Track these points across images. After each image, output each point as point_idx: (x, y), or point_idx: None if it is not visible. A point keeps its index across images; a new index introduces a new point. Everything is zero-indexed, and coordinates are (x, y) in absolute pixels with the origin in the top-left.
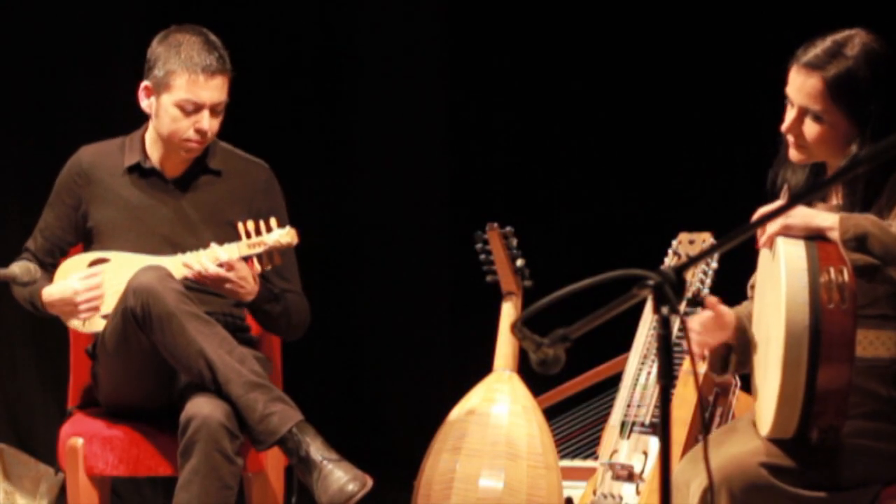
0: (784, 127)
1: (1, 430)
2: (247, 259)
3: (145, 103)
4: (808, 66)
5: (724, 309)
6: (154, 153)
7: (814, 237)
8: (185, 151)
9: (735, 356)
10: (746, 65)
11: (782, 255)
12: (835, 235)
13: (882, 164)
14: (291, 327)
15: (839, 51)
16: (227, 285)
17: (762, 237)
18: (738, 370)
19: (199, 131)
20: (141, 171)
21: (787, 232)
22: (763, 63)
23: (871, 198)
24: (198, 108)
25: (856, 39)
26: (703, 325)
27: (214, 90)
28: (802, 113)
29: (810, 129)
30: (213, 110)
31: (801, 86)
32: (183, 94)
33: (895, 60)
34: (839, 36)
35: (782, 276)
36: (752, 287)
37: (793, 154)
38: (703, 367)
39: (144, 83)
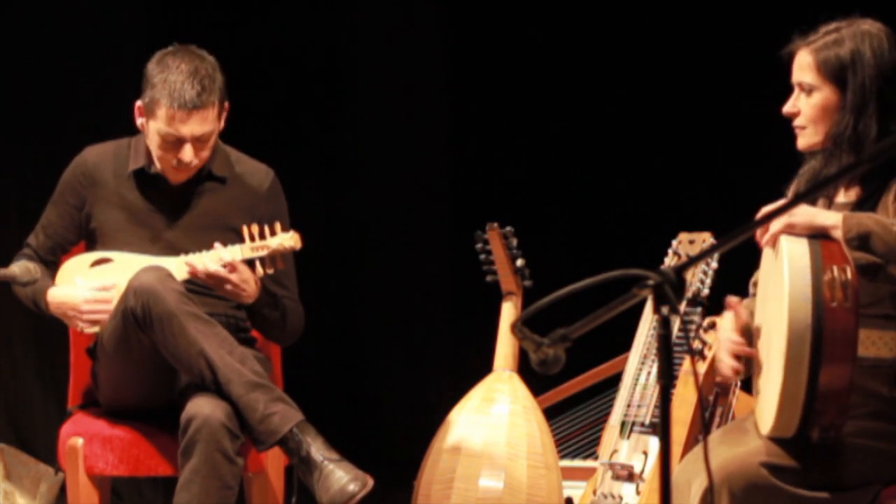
0: (784, 108)
1: (1, 430)
2: (250, 262)
3: (139, 122)
4: (805, 44)
5: (742, 311)
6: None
7: (817, 236)
8: (173, 176)
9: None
10: (747, 65)
11: (785, 252)
12: (838, 234)
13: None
14: (286, 333)
15: (835, 30)
16: (228, 286)
17: (765, 236)
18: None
19: (180, 162)
20: (146, 176)
21: (790, 230)
22: (763, 63)
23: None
24: (179, 141)
25: (856, 23)
26: (737, 332)
27: (195, 125)
28: (799, 90)
29: (804, 104)
30: (198, 141)
31: (797, 63)
32: (164, 127)
33: (891, 42)
34: (844, 21)
35: (785, 273)
36: (755, 284)
37: (798, 142)
38: (702, 368)
39: (138, 103)
